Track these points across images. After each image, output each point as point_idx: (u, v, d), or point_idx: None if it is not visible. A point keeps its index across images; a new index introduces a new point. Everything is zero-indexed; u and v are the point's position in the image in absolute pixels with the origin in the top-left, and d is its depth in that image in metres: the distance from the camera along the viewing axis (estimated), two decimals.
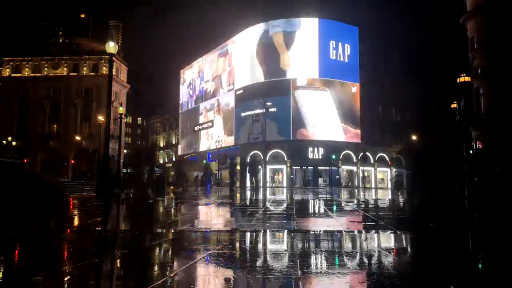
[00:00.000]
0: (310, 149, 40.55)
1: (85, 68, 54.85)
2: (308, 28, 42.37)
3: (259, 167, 21.30)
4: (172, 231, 5.20)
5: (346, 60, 42.72)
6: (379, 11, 44.24)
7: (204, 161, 50.44)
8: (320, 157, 39.79)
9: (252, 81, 44.07)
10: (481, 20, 31.81)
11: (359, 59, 42.70)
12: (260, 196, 14.93)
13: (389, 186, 42.27)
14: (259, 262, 3.40)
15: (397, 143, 45.54)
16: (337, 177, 40.17)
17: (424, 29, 48.17)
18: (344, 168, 42.80)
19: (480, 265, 3.44)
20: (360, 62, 42.64)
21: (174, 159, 68.50)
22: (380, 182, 45.43)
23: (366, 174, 43.79)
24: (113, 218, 7.68)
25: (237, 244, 4.31)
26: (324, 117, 40.94)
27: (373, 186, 42.94)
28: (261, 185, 20.59)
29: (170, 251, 3.98)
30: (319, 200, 12.57)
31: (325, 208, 9.48)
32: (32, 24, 58.47)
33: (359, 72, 42.58)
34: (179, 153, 62.55)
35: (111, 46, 13.10)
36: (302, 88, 41.38)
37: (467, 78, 22.04)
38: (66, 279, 2.86)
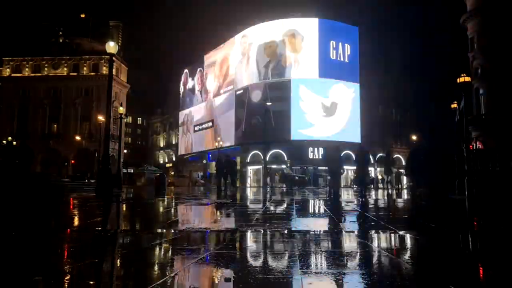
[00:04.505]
0: (310, 149, 40.56)
1: (85, 68, 54.86)
2: (308, 28, 42.36)
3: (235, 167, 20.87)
4: (172, 231, 5.20)
5: (346, 60, 42.73)
6: (379, 11, 44.18)
7: (204, 161, 50.50)
8: (320, 157, 39.78)
9: (252, 81, 44.07)
10: (481, 20, 31.85)
11: (359, 59, 42.68)
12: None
13: (389, 186, 42.24)
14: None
15: (397, 143, 45.53)
16: None
17: (424, 29, 48.16)
18: (344, 168, 42.73)
19: (480, 265, 3.44)
20: (360, 62, 42.63)
21: (174, 159, 68.49)
22: (380, 182, 45.39)
23: None
24: (113, 218, 7.68)
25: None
26: (325, 117, 40.94)
27: (373, 186, 42.90)
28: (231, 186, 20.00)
29: (170, 251, 3.98)
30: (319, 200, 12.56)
31: (325, 208, 9.48)
32: (32, 24, 58.38)
33: (359, 72, 42.57)
34: (179, 153, 62.56)
35: (111, 46, 13.12)
36: (303, 88, 41.38)
37: (467, 78, 22.07)
38: (66, 279, 2.86)
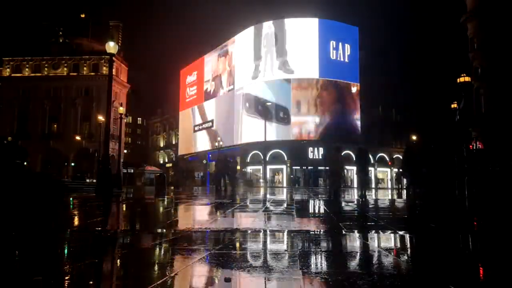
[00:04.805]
0: (310, 149, 40.55)
1: (85, 68, 54.84)
2: (308, 28, 42.35)
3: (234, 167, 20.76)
4: (172, 231, 5.20)
5: (346, 60, 42.71)
6: (379, 11, 44.24)
7: (204, 161, 50.51)
8: (320, 157, 39.77)
9: (252, 81, 44.07)
10: (481, 20, 31.84)
11: (359, 59, 42.67)
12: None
13: (389, 186, 42.29)
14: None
15: (397, 143, 45.54)
16: None
17: (424, 29, 48.17)
18: (345, 168, 42.71)
19: (480, 265, 3.44)
20: (360, 62, 42.61)
21: (174, 159, 68.48)
22: (380, 182, 45.43)
23: None
24: (113, 218, 7.68)
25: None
26: (324, 117, 40.96)
27: (373, 186, 42.95)
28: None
29: (170, 251, 3.98)
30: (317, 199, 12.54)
31: (325, 208, 9.48)
32: (32, 24, 58.36)
33: (359, 72, 42.56)
34: (179, 153, 62.53)
35: (111, 46, 13.11)
36: (302, 88, 41.41)
37: (467, 78, 22.06)
38: (66, 279, 2.87)
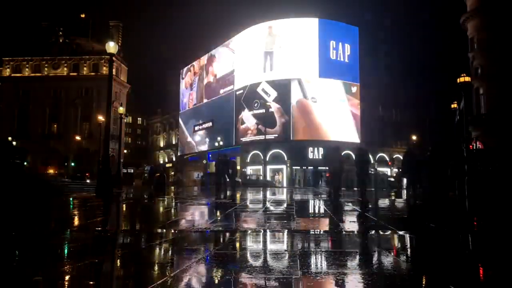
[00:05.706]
0: (310, 149, 40.54)
1: (85, 68, 54.85)
2: (308, 28, 42.35)
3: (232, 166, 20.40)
4: (172, 231, 5.20)
5: (346, 60, 42.68)
6: (379, 11, 44.20)
7: (204, 161, 50.52)
8: (320, 157, 39.75)
9: (252, 81, 44.06)
10: (481, 20, 31.82)
11: (359, 59, 42.66)
12: None
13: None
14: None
15: (397, 143, 45.54)
16: None
17: (424, 29, 48.08)
18: (345, 168, 42.68)
19: (480, 265, 3.44)
20: (360, 62, 42.60)
21: (174, 159, 68.51)
22: (380, 182, 45.38)
23: None
24: (113, 218, 7.68)
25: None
26: (325, 117, 40.96)
27: (373, 187, 42.93)
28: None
29: (170, 251, 3.98)
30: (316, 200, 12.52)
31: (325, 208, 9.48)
32: (32, 24, 58.45)
33: (359, 72, 42.55)
34: (179, 153, 62.56)
35: (111, 46, 13.10)
36: (302, 87, 41.39)
37: (467, 78, 22.01)
38: (66, 279, 2.87)
